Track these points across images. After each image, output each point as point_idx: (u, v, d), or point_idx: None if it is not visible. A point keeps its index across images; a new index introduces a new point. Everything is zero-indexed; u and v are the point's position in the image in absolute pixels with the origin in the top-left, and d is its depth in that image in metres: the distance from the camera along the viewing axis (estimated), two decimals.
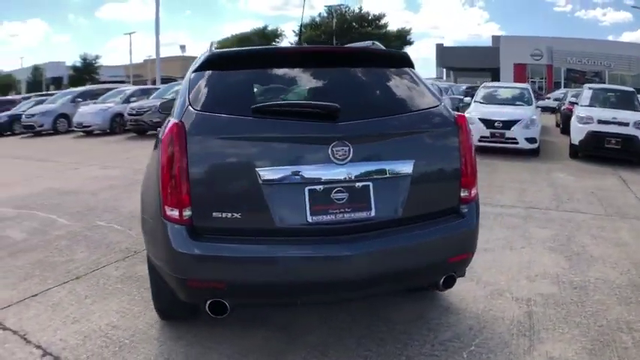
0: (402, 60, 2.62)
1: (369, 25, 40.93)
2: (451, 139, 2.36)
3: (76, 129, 14.44)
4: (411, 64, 2.61)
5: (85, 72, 47.65)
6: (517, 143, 8.86)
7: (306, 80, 2.47)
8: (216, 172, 2.10)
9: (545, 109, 13.06)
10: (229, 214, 2.05)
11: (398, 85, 2.51)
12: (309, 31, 39.24)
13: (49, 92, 24.88)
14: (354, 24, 40.65)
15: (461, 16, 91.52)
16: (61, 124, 15.50)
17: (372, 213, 2.14)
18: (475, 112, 9.59)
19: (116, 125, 14.13)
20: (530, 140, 8.83)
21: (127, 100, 14.60)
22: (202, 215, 2.07)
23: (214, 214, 2.06)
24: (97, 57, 50.01)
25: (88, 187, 6.62)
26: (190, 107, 2.20)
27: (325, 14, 40.83)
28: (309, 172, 2.08)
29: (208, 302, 2.10)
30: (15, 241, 4.32)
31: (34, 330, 2.71)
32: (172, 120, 2.19)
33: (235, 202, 2.08)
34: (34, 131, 15.30)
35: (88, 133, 14.24)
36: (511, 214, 5.17)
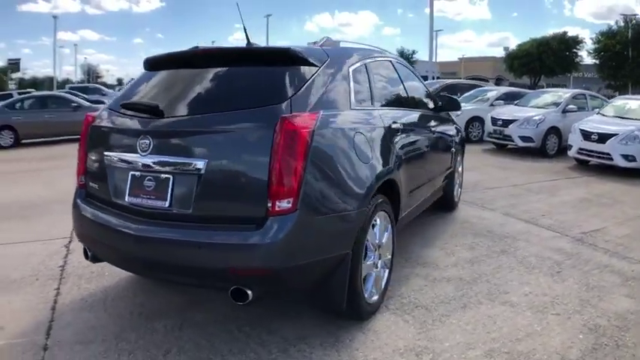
0: (279, 58, 2.56)
1: None
2: (262, 142, 2.17)
3: None
4: (295, 62, 2.50)
5: None
6: None
7: (184, 80, 2.64)
8: (94, 152, 2.76)
9: None
10: (94, 185, 2.73)
11: (244, 82, 2.47)
12: (605, 39, 35.09)
13: None
14: None
15: None
16: None
17: (167, 204, 2.32)
18: None
19: None
20: None
21: None
22: (87, 184, 2.80)
23: (90, 183, 2.77)
24: (413, 52, 49.90)
25: None
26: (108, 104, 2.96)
27: (622, 23, 35.54)
28: (125, 159, 2.48)
29: (83, 248, 2.80)
30: None
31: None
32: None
33: (97, 177, 2.71)
34: None
35: None
36: (619, 270, 3.70)
